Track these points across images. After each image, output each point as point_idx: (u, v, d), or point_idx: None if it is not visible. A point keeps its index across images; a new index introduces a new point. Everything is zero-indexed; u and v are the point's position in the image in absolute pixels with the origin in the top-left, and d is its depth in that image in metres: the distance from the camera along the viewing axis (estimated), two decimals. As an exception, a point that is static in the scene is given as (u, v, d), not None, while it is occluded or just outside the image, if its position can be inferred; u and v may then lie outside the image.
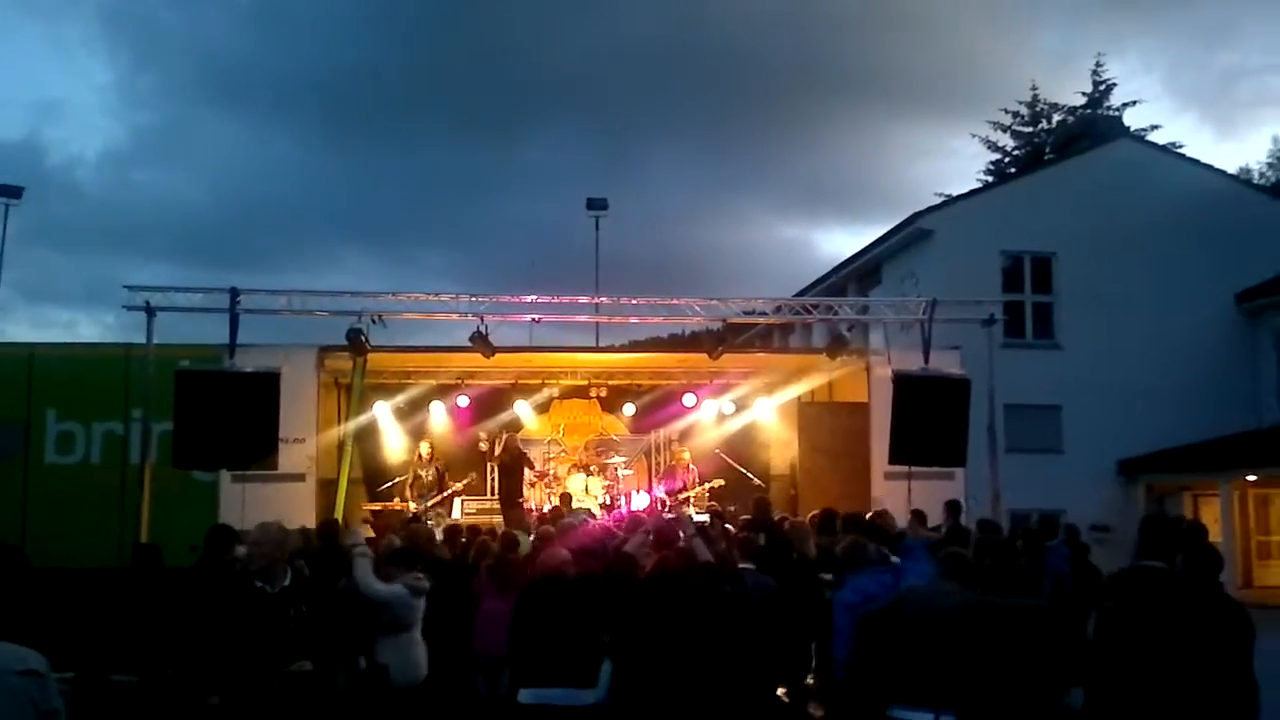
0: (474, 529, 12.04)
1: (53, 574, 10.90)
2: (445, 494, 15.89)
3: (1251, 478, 20.36)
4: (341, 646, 7.69)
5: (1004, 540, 8.81)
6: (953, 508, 11.78)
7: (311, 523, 12.92)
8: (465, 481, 16.23)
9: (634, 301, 13.81)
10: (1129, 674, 5.16)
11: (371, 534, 13.76)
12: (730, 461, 16.78)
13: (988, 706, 5.62)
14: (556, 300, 13.69)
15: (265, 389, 11.72)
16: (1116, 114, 33.13)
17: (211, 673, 6.22)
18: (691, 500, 16.08)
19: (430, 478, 15.86)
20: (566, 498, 14.77)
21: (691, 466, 16.78)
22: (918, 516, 11.87)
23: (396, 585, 7.59)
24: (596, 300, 14.32)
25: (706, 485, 16.37)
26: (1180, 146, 30.29)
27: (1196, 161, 24.34)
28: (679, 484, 16.56)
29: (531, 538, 10.04)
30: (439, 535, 11.16)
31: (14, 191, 23.23)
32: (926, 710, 5.56)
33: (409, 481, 15.93)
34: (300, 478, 14.05)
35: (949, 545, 7.24)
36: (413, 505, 15.34)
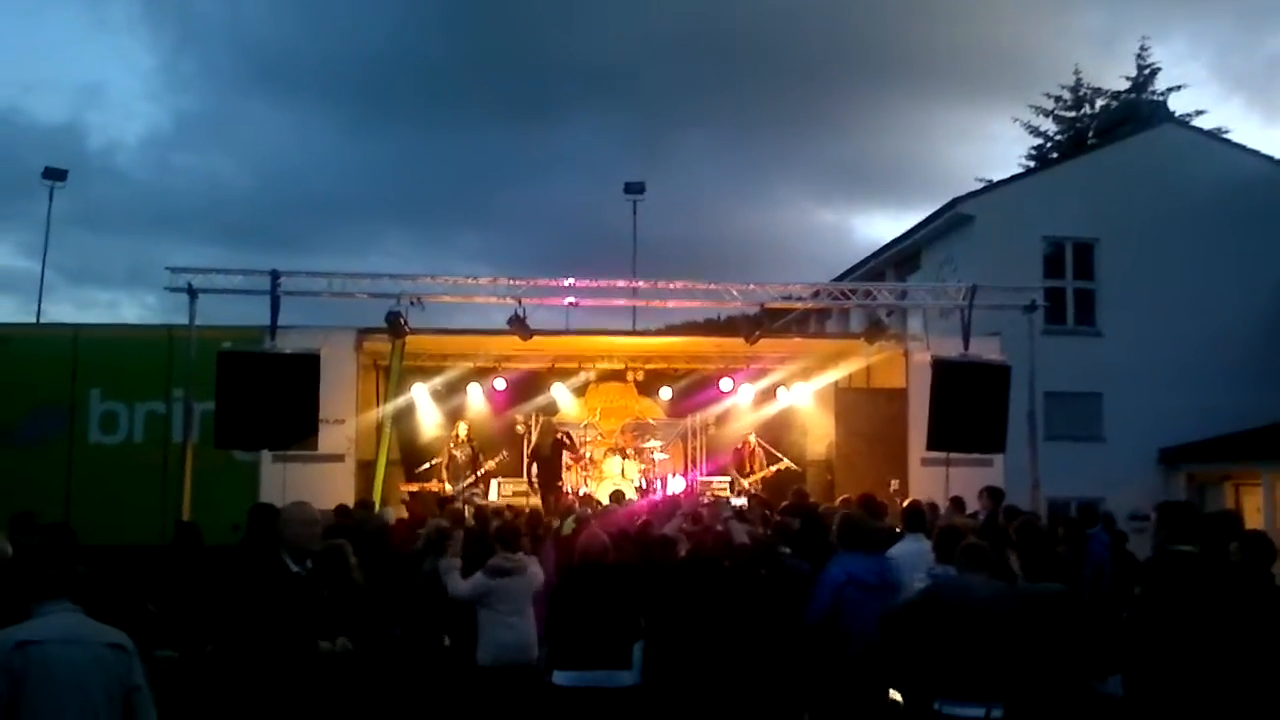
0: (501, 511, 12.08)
1: (96, 551, 11.13)
2: (479, 474, 15.97)
3: (1295, 468, 20.05)
4: (416, 624, 7.77)
5: (1042, 528, 8.73)
6: (993, 494, 11.71)
7: (350, 502, 13.08)
8: (497, 460, 16.29)
9: (671, 285, 13.79)
10: (1166, 659, 5.14)
11: (406, 515, 13.91)
12: (766, 447, 16.73)
13: (1030, 696, 5.59)
14: (594, 284, 13.69)
15: (305, 370, 11.83)
16: (1161, 99, 32.57)
17: (250, 650, 6.30)
18: (760, 483, 16.08)
19: (464, 458, 15.94)
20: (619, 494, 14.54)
21: (758, 449, 16.70)
22: (955, 503, 11.82)
23: (476, 576, 7.61)
24: (634, 284, 14.31)
25: (774, 467, 16.36)
26: (1226, 132, 29.69)
27: (1242, 147, 23.90)
28: (746, 465, 16.52)
29: (571, 520, 10.10)
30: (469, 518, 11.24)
31: (59, 174, 23.54)
32: (977, 704, 5.53)
33: (444, 463, 16.02)
34: (339, 458, 14.17)
35: (982, 535, 7.21)
36: (449, 487, 15.43)
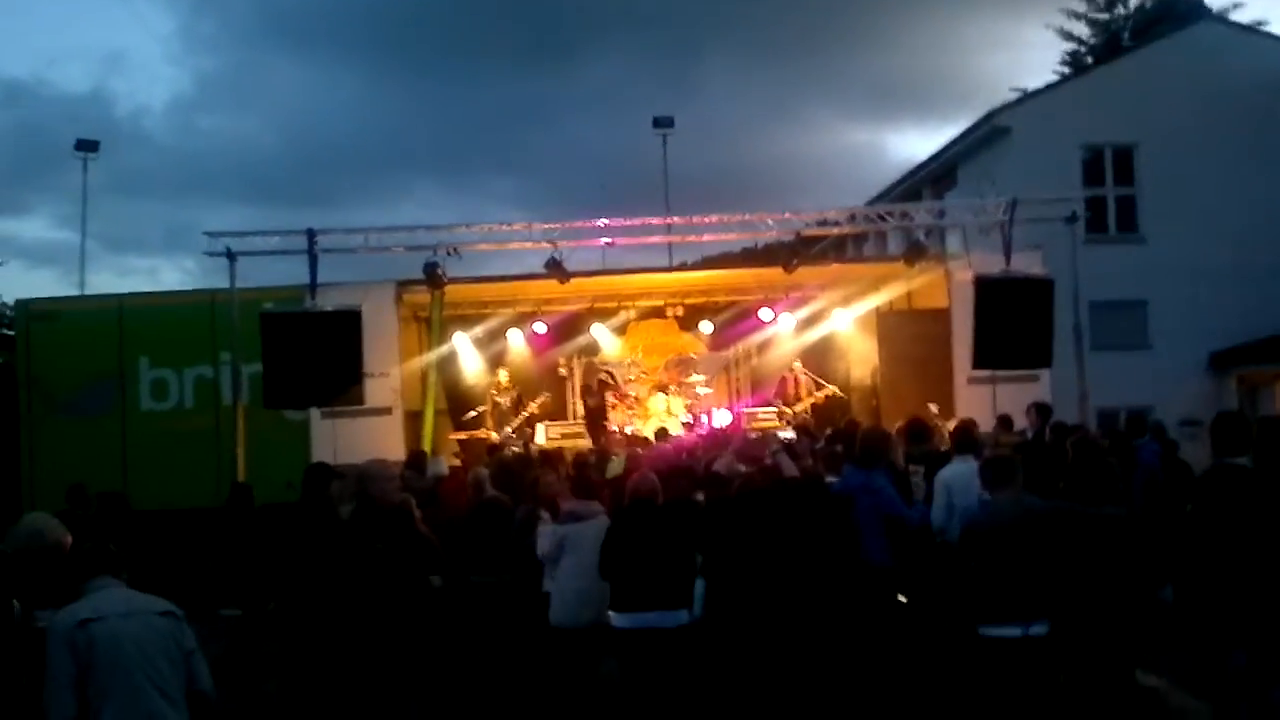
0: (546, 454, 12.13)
1: (156, 516, 11.37)
2: (525, 418, 16.06)
3: (1351, 364, 19.77)
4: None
5: (1098, 445, 8.66)
6: (1041, 411, 11.63)
7: (401, 454, 13.22)
8: (540, 403, 16.38)
9: (706, 219, 13.71)
10: (1219, 573, 5.12)
11: (458, 463, 14.03)
12: (810, 375, 16.67)
13: (1084, 611, 5.60)
14: (628, 222, 13.64)
15: (347, 326, 11.95)
16: (1197, -8, 31.81)
17: (310, 605, 6.43)
18: (808, 411, 16.05)
19: (508, 404, 16.04)
20: (663, 432, 14.48)
21: (801, 377, 16.62)
22: (1003, 421, 11.76)
23: (550, 526, 7.39)
24: (668, 220, 14.25)
25: (820, 394, 16.32)
26: (1265, 24, 28.93)
27: (1282, 39, 23.34)
28: (792, 394, 16.51)
29: (619, 460, 10.14)
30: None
31: (91, 145, 23.69)
32: (1014, 624, 5.56)
33: (489, 410, 16.13)
34: (387, 411, 14.28)
35: (1029, 451, 7.19)
36: (494, 435, 15.55)
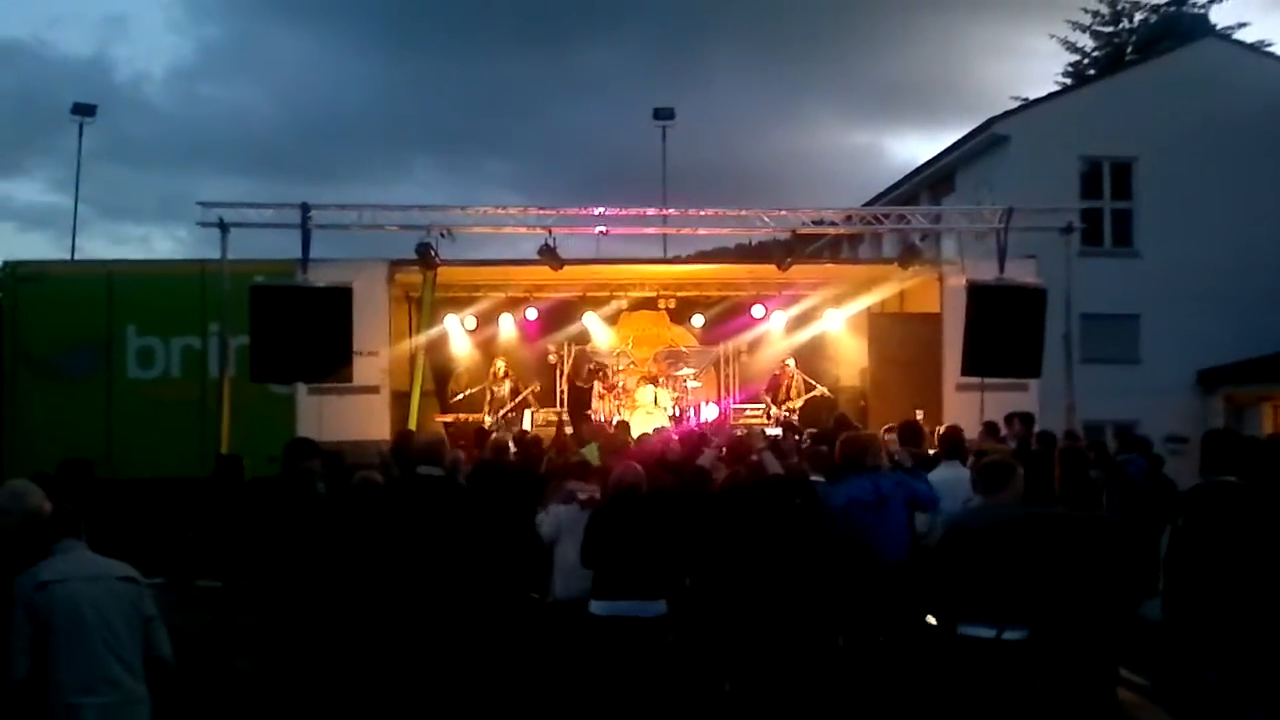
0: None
1: (138, 485, 11.34)
2: (516, 401, 16.07)
3: (1336, 388, 19.84)
4: None
5: (1083, 453, 8.67)
6: (1024, 420, 11.63)
7: (387, 434, 13.19)
8: (532, 389, 16.39)
9: (702, 213, 13.71)
10: (1207, 589, 5.14)
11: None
12: (802, 375, 16.67)
13: (1064, 620, 5.59)
14: (624, 212, 13.63)
15: (338, 303, 11.90)
16: (1202, 11, 31.77)
17: (284, 580, 6.39)
18: (797, 411, 16.03)
19: (504, 394, 16.04)
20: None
21: (795, 375, 16.57)
22: (989, 429, 11.75)
23: (551, 508, 7.51)
24: (664, 212, 14.25)
25: (809, 395, 16.29)
26: (1269, 45, 28.95)
27: (1284, 60, 23.38)
28: (784, 391, 16.49)
29: (592, 447, 10.12)
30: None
31: (88, 110, 23.50)
32: (990, 625, 5.57)
33: (486, 399, 16.12)
34: (374, 390, 14.25)
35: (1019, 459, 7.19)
36: (487, 419, 15.54)
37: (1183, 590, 5.26)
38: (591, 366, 16.85)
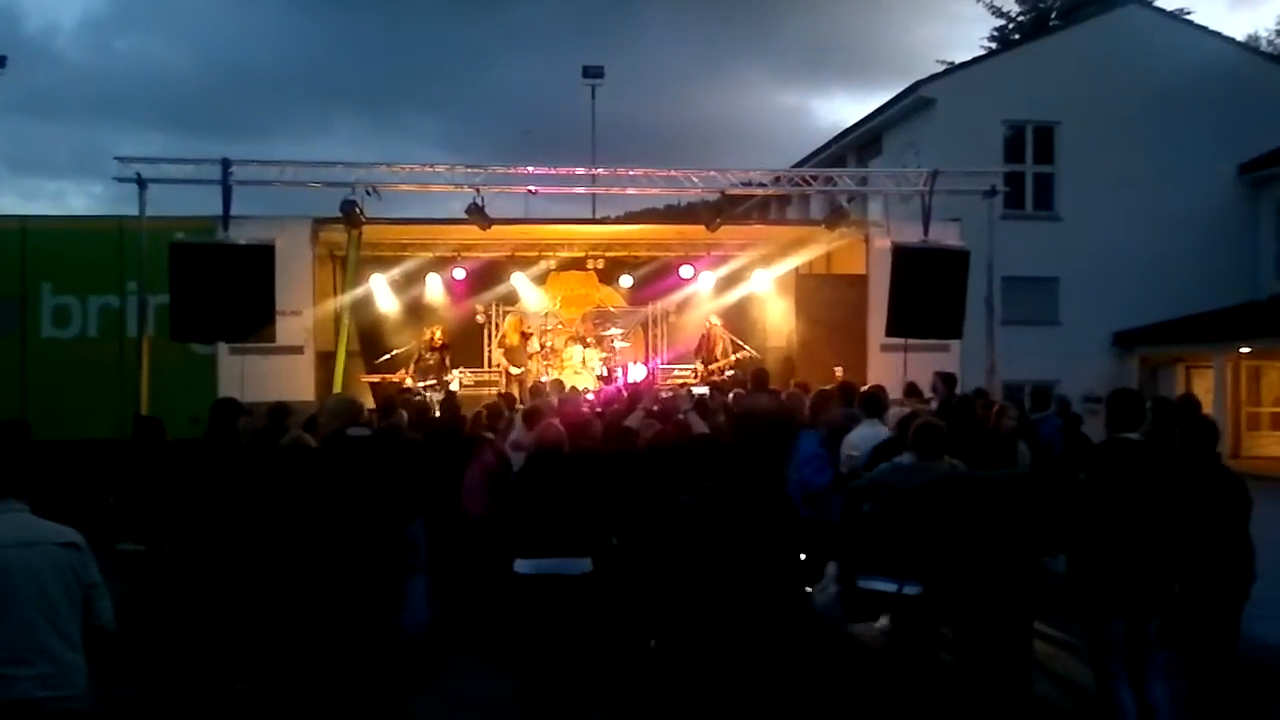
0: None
1: (56, 446, 11.08)
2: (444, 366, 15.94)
3: (1245, 350, 20.41)
4: None
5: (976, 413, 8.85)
6: (946, 380, 11.82)
7: (311, 395, 13.04)
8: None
9: (631, 173, 13.68)
10: (1108, 541, 5.32)
11: (372, 405, 13.88)
12: (728, 334, 16.77)
13: (958, 576, 5.73)
14: (553, 172, 13.57)
15: (260, 261, 11.70)
16: (1125, -22, 32.25)
17: (209, 544, 6.33)
18: (727, 370, 16.06)
19: (435, 361, 15.83)
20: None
21: (720, 333, 16.62)
22: (910, 389, 11.92)
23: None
24: (593, 172, 14.19)
25: (736, 355, 16.33)
26: (1189, 13, 29.42)
27: (1204, 29, 23.78)
28: (709, 352, 16.53)
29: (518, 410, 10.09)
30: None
31: (-2, 61, 22.73)
32: (890, 580, 5.69)
33: (414, 360, 15.93)
34: (298, 350, 14.12)
35: (932, 418, 7.32)
36: (409, 381, 15.38)
37: (1086, 543, 5.43)
38: (525, 330, 16.72)
